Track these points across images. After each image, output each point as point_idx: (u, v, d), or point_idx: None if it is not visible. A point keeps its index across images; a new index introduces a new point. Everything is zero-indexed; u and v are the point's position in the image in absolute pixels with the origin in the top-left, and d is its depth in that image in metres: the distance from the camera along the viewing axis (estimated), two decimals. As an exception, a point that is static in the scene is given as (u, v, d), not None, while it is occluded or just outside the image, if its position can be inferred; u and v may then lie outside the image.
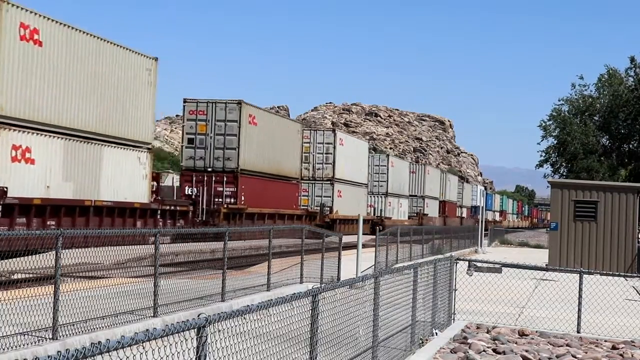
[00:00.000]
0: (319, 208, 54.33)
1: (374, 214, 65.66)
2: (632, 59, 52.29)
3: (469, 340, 12.45)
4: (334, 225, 53.23)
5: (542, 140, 55.29)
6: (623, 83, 52.26)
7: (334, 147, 55.68)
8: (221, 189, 40.95)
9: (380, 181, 68.29)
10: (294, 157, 49.70)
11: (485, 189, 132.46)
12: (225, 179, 41.06)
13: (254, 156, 43.11)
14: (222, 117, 41.60)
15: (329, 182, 55.73)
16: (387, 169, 68.88)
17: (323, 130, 58.49)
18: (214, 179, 41.01)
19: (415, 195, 79.04)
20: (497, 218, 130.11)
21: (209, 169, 41.41)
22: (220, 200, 40.76)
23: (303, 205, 53.00)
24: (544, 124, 54.52)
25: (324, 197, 55.26)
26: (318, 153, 55.49)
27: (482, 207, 49.60)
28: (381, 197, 68.07)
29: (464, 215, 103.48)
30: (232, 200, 41.05)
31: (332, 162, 55.82)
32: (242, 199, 41.61)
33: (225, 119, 41.58)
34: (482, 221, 45.70)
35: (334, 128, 57.90)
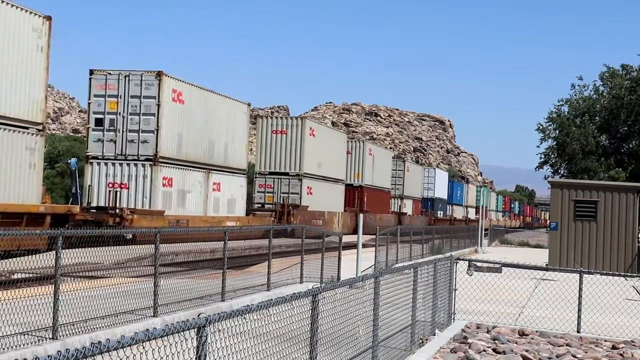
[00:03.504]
0: None
1: (92, 201, 32.77)
2: (624, 67, 52.43)
3: (469, 340, 12.44)
4: None
5: (541, 143, 55.34)
6: (624, 86, 52.30)
7: None
8: None
9: (144, 132, 33.10)
10: None
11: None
12: None
13: None
14: None
15: None
16: (157, 110, 33.00)
17: None
18: None
19: (277, 173, 46.51)
20: (472, 216, 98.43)
21: None
22: None
23: None
24: (541, 127, 54.55)
25: None
26: None
27: (482, 205, 49.59)
28: (141, 166, 33.01)
29: (410, 210, 71.99)
30: None
31: None
32: None
33: None
34: (481, 220, 45.65)
35: None
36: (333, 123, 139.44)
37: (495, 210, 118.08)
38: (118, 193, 32.48)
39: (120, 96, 33.40)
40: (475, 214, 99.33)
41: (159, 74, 33.41)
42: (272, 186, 46.98)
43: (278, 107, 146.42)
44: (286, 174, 47.06)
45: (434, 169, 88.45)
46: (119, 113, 33.44)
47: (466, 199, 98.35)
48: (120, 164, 33.48)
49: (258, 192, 47.38)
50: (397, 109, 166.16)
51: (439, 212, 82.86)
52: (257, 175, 47.69)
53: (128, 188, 33.30)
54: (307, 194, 47.68)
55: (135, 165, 33.38)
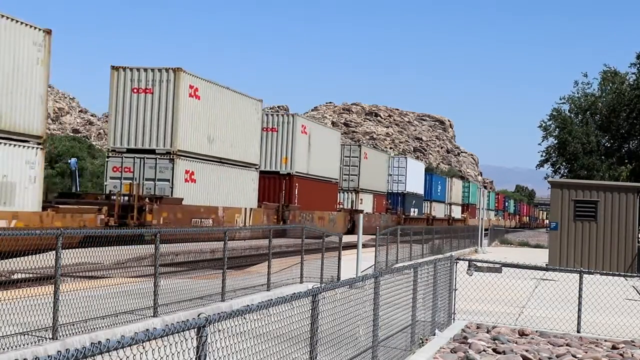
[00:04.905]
0: None
1: None
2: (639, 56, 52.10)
3: (469, 340, 12.44)
4: None
5: (542, 141, 55.35)
6: (625, 82, 52.27)
7: None
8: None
9: None
10: None
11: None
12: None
13: None
14: None
15: None
16: None
17: None
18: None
19: (139, 151, 33.35)
20: (457, 214, 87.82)
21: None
22: None
23: None
24: (544, 124, 54.58)
25: None
26: None
27: (482, 204, 49.54)
28: None
29: (369, 207, 57.56)
30: None
31: None
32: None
33: None
34: (481, 221, 45.63)
35: None
36: (333, 123, 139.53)
37: (487, 208, 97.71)
38: None
39: None
40: (462, 213, 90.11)
41: None
42: (132, 169, 32.88)
43: (278, 106, 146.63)
44: (152, 151, 32.97)
45: (405, 157, 72.33)
46: None
47: (449, 196, 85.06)
48: None
49: (111, 178, 33.22)
50: (397, 109, 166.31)
51: (412, 209, 68.55)
52: (111, 154, 33.63)
53: None
54: (186, 180, 33.56)
55: None
